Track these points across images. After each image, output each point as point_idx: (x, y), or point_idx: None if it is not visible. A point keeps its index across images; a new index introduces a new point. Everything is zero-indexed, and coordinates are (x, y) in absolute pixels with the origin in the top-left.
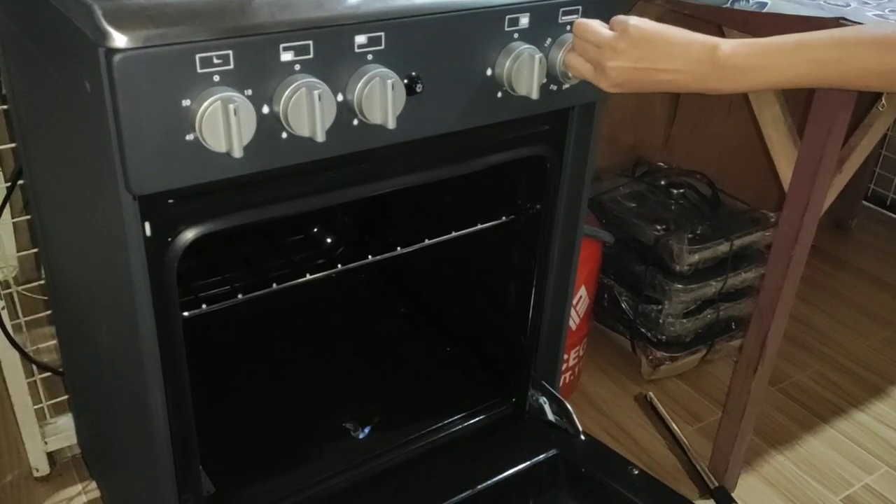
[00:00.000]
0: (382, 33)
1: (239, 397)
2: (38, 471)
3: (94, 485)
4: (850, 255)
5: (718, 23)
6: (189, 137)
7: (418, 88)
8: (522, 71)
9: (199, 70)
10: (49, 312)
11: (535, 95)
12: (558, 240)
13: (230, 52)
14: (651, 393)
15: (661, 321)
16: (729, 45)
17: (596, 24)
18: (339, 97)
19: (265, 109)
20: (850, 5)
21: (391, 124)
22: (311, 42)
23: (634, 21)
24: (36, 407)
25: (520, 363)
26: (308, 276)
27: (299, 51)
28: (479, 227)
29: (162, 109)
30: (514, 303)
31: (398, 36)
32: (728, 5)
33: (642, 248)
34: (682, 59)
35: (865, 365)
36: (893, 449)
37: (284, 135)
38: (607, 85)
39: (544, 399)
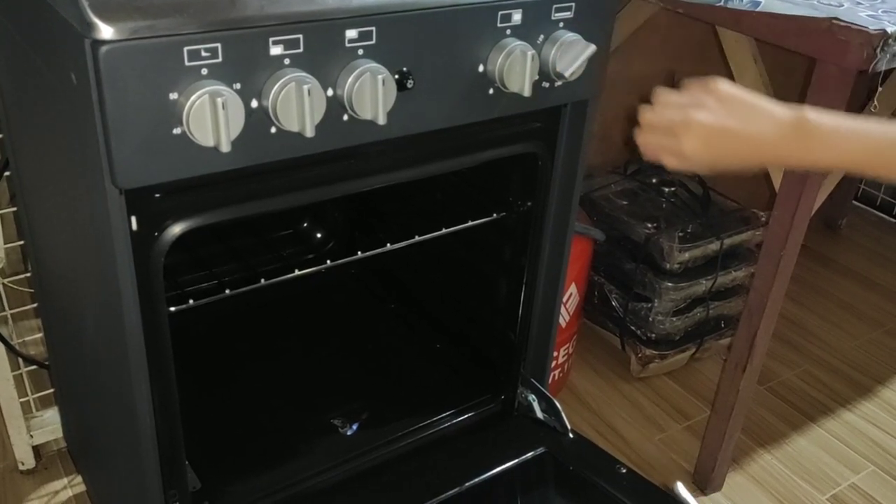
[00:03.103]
0: (374, 28)
1: (226, 392)
2: (23, 464)
3: (79, 479)
4: (839, 254)
5: (712, 21)
6: (176, 131)
7: (409, 84)
8: (515, 67)
9: (186, 63)
10: (35, 305)
11: (527, 92)
12: (549, 237)
13: (218, 45)
14: None
15: (650, 319)
16: (815, 111)
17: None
18: (329, 92)
19: (254, 103)
20: (843, 5)
21: (382, 120)
22: (301, 36)
23: (720, 81)
24: (22, 400)
25: (509, 360)
26: (297, 272)
27: (289, 45)
28: (470, 223)
29: (149, 102)
30: (504, 300)
31: (390, 31)
32: (721, 4)
33: (633, 245)
34: (768, 121)
35: (854, 364)
36: (880, 448)
37: (273, 129)
38: (689, 145)
39: (533, 396)
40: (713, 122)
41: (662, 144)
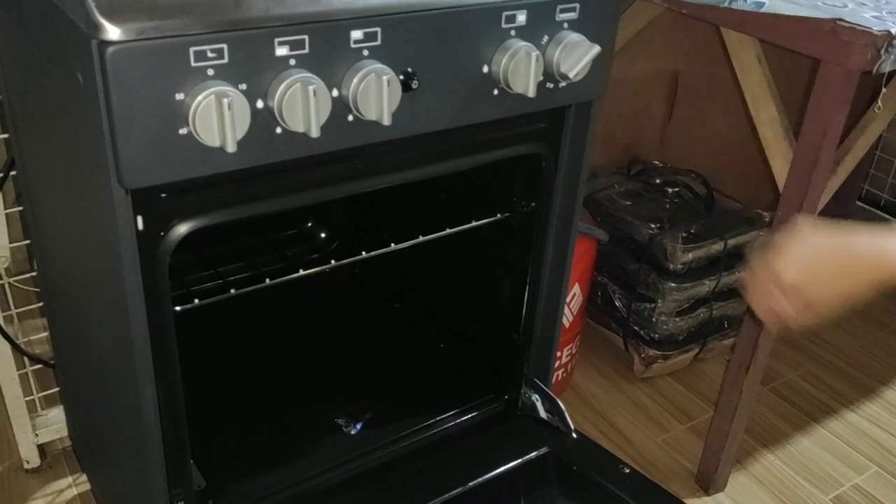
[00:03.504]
0: (379, 28)
1: (231, 392)
2: (28, 463)
3: (84, 478)
4: None
5: (716, 22)
6: (182, 131)
7: (414, 85)
8: (519, 68)
9: (192, 64)
10: (41, 304)
11: (531, 93)
12: (553, 237)
13: (224, 45)
14: None
15: (654, 319)
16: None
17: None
18: (335, 92)
19: (259, 104)
20: (847, 6)
21: (386, 120)
22: (306, 37)
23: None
24: (27, 399)
25: (513, 360)
26: (301, 272)
27: (294, 45)
28: (474, 224)
29: (155, 103)
30: (507, 300)
31: (394, 31)
32: (726, 5)
33: (636, 246)
34: (846, 228)
35: (857, 365)
36: (883, 449)
37: (279, 130)
38: (788, 276)
39: (536, 396)
40: (796, 246)
41: (770, 295)
